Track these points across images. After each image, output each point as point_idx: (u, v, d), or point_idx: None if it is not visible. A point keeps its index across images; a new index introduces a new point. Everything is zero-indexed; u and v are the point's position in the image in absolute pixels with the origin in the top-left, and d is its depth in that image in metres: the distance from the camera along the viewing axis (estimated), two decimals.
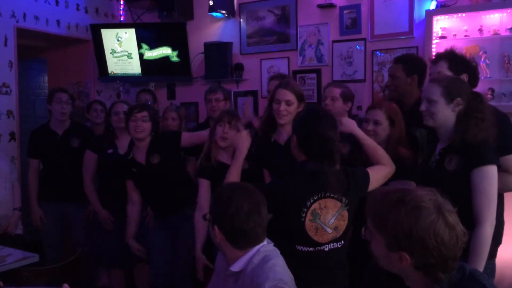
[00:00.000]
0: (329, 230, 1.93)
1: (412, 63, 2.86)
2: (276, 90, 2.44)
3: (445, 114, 2.03)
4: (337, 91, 2.88)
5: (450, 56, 2.35)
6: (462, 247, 1.22)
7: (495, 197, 1.94)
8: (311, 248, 1.93)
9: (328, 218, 1.92)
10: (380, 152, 2.19)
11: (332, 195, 1.92)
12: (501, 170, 2.07)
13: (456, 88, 2.03)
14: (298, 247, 1.93)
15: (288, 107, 2.38)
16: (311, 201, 1.90)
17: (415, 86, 2.82)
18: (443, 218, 1.20)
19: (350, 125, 2.26)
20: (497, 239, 2.13)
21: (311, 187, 1.91)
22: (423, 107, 2.09)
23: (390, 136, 2.35)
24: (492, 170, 1.94)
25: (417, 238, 1.19)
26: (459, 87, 2.05)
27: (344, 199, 1.94)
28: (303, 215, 1.89)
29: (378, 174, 2.10)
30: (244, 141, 2.36)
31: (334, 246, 1.97)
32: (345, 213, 1.96)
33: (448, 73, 2.29)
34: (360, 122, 2.47)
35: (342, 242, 1.99)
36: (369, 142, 2.22)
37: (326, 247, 1.95)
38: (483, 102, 2.03)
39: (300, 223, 1.90)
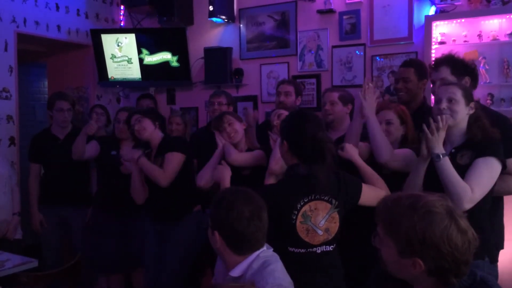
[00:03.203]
0: (320, 232, 1.96)
1: (423, 67, 2.91)
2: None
3: (463, 114, 2.06)
4: (335, 95, 2.89)
5: (450, 61, 2.36)
6: (473, 251, 1.23)
7: (487, 185, 1.94)
8: (302, 250, 1.96)
9: (318, 220, 1.95)
10: (377, 179, 2.20)
11: (322, 197, 1.95)
12: (506, 172, 2.07)
13: (471, 94, 2.10)
14: (290, 248, 1.96)
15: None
16: (301, 203, 1.93)
17: (422, 90, 2.85)
18: (455, 223, 1.21)
19: (351, 151, 2.28)
20: (498, 243, 2.13)
21: (301, 190, 1.94)
22: (443, 105, 2.06)
23: (406, 134, 2.39)
24: (494, 162, 1.95)
25: (431, 243, 1.20)
26: (472, 92, 2.12)
27: (334, 201, 1.97)
28: (294, 217, 1.93)
29: (372, 192, 2.11)
30: (224, 173, 2.34)
31: (326, 249, 1.99)
32: (336, 215, 1.98)
33: (451, 78, 2.31)
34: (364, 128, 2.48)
35: (334, 245, 2.02)
36: (367, 169, 2.23)
37: (318, 249, 1.97)
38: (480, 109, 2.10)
39: (291, 225, 1.93)
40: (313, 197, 1.94)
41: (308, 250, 1.96)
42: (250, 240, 1.64)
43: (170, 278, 2.93)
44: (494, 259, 2.07)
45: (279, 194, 1.94)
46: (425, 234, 1.20)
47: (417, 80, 2.85)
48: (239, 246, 1.64)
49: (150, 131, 2.95)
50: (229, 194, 1.70)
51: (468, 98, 2.06)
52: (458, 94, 2.05)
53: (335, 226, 1.99)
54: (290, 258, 1.90)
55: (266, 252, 1.68)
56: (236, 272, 1.65)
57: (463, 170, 1.98)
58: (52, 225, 3.54)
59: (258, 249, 1.67)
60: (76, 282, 2.67)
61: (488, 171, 1.94)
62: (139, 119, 2.93)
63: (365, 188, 2.09)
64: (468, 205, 1.87)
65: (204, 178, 2.61)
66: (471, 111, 2.06)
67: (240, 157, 2.60)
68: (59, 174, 3.52)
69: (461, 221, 1.22)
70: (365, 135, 2.51)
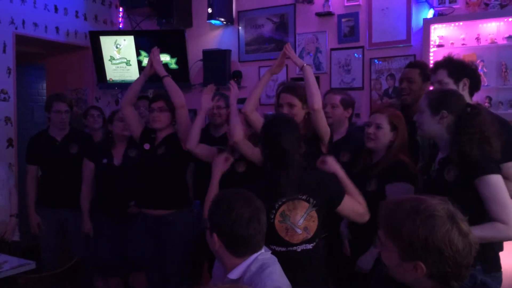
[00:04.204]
0: (299, 231, 2.01)
1: (427, 70, 2.90)
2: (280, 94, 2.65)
3: (431, 124, 2.03)
4: (337, 98, 2.89)
5: (448, 63, 2.34)
6: (474, 255, 1.24)
7: (508, 201, 1.91)
8: (283, 248, 2.01)
9: (297, 219, 2.00)
10: (358, 195, 2.18)
11: (300, 196, 2.01)
12: (505, 177, 2.06)
13: (442, 101, 2.02)
14: (272, 246, 1.99)
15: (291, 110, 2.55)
16: (279, 203, 2.00)
17: None
18: (456, 227, 1.22)
19: (333, 164, 2.25)
20: (498, 245, 2.12)
21: (279, 190, 2.00)
22: (415, 116, 2.13)
23: (393, 141, 2.36)
24: (494, 178, 1.90)
25: (433, 247, 1.20)
26: (446, 100, 2.03)
27: (312, 200, 2.01)
28: (272, 217, 1.99)
29: (352, 204, 2.11)
30: (218, 164, 2.49)
31: (307, 247, 2.03)
32: (314, 214, 2.02)
33: (449, 80, 2.29)
34: (359, 130, 2.49)
35: (315, 243, 2.05)
36: (348, 182, 2.21)
37: (298, 247, 2.02)
38: (479, 115, 1.98)
39: (270, 224, 1.96)
40: (291, 197, 2.00)
41: (288, 249, 2.01)
42: (249, 243, 1.63)
43: (175, 274, 2.95)
44: (492, 268, 2.00)
45: (258, 193, 1.96)
46: (427, 238, 1.20)
47: (421, 81, 2.86)
48: (238, 248, 1.64)
49: (165, 125, 2.98)
50: (228, 196, 1.69)
51: (435, 107, 2.00)
52: (423, 104, 2.05)
53: (313, 225, 2.03)
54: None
55: (264, 254, 1.68)
56: (234, 275, 1.64)
57: (448, 187, 1.95)
58: (50, 227, 3.52)
59: (257, 251, 1.66)
60: (74, 285, 2.66)
61: (496, 190, 1.89)
62: (162, 109, 2.95)
63: (347, 197, 2.11)
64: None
65: (191, 140, 2.74)
66: (443, 120, 2.00)
67: (244, 143, 2.61)
68: (57, 176, 3.51)
69: (462, 225, 1.23)
70: (361, 140, 2.51)
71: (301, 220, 2.01)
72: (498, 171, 1.93)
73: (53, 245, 3.56)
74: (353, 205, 2.12)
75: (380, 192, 2.26)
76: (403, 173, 2.26)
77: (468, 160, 1.92)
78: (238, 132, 2.54)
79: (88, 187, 3.42)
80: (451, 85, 2.26)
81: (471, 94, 2.35)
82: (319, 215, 2.04)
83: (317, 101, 2.45)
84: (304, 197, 2.01)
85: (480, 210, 1.92)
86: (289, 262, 1.97)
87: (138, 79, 3.12)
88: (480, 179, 1.90)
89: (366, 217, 2.13)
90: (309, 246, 2.04)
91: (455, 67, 2.32)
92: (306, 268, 2.03)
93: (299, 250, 2.02)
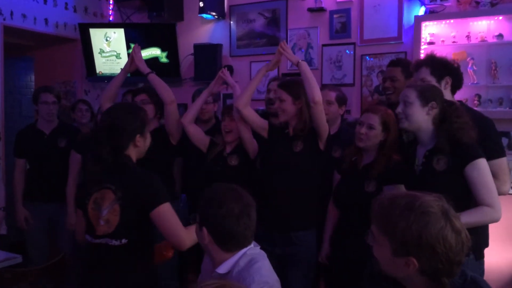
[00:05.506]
0: (101, 222, 1.89)
1: (409, 66, 2.91)
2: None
3: (420, 116, 2.08)
4: (332, 95, 2.88)
5: (430, 62, 2.37)
6: (466, 252, 1.25)
7: (493, 185, 2.01)
8: (95, 240, 1.92)
9: (103, 210, 1.89)
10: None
11: (109, 186, 1.90)
12: None
13: (430, 92, 2.11)
14: (87, 235, 1.96)
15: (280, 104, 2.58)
16: (93, 190, 1.93)
17: None
18: (450, 224, 1.22)
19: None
20: (484, 241, 2.16)
21: (96, 177, 1.95)
22: (399, 109, 2.14)
23: (385, 141, 2.36)
24: (483, 162, 2.01)
25: (426, 243, 1.20)
26: (433, 92, 2.13)
27: (118, 193, 1.89)
28: (87, 202, 1.93)
29: (172, 219, 1.89)
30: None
31: (108, 242, 1.89)
32: (117, 208, 1.88)
33: (431, 78, 2.31)
34: (350, 126, 2.50)
35: (123, 242, 1.90)
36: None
37: (102, 240, 1.90)
38: (458, 109, 2.10)
39: (85, 209, 1.94)
40: (102, 186, 1.91)
41: (97, 240, 1.91)
42: (239, 238, 1.63)
43: (163, 268, 2.91)
44: (480, 256, 2.12)
45: (85, 180, 2.00)
46: (421, 235, 1.20)
47: (404, 79, 2.87)
48: (227, 243, 1.63)
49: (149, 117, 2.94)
50: (218, 191, 1.69)
51: (425, 98, 2.07)
52: (412, 96, 2.09)
53: (115, 219, 1.87)
54: (87, 247, 1.95)
55: (253, 249, 1.67)
56: (222, 269, 1.64)
57: (439, 176, 2.02)
58: (37, 222, 3.48)
59: (246, 246, 1.66)
60: (61, 280, 2.64)
61: (485, 175, 1.99)
62: (144, 102, 2.89)
63: (169, 210, 1.90)
64: (499, 217, 1.98)
65: (187, 115, 2.85)
66: (431, 111, 2.07)
67: (248, 110, 2.65)
68: (44, 169, 3.47)
69: (456, 222, 1.23)
70: (350, 136, 2.51)
71: (105, 211, 1.88)
72: (484, 155, 2.03)
73: (40, 240, 3.52)
74: (172, 220, 1.89)
75: (379, 193, 2.25)
76: (402, 175, 2.25)
77: (460, 147, 2.01)
78: (242, 98, 2.62)
79: (74, 179, 3.39)
80: (434, 84, 2.29)
81: (453, 92, 2.38)
82: (123, 212, 1.87)
83: (317, 93, 2.44)
84: (113, 187, 1.88)
85: (467, 197, 2.00)
86: (95, 253, 1.93)
87: (118, 75, 3.04)
88: (472, 163, 1.99)
89: (185, 245, 1.91)
90: (111, 242, 1.89)
91: (438, 65, 2.35)
92: (105, 264, 1.92)
93: (103, 243, 1.89)
